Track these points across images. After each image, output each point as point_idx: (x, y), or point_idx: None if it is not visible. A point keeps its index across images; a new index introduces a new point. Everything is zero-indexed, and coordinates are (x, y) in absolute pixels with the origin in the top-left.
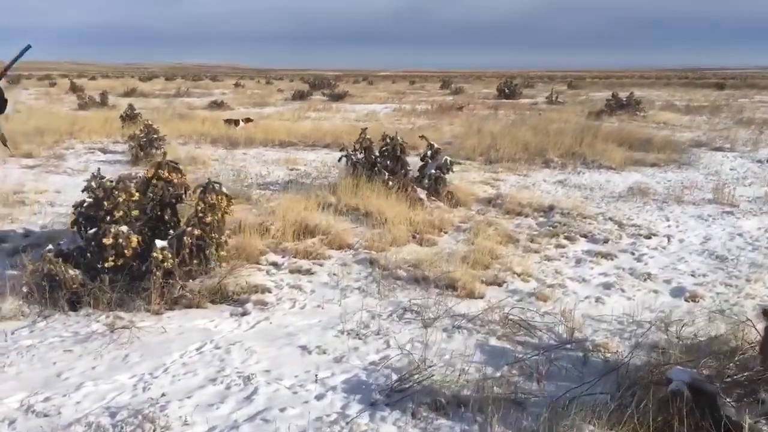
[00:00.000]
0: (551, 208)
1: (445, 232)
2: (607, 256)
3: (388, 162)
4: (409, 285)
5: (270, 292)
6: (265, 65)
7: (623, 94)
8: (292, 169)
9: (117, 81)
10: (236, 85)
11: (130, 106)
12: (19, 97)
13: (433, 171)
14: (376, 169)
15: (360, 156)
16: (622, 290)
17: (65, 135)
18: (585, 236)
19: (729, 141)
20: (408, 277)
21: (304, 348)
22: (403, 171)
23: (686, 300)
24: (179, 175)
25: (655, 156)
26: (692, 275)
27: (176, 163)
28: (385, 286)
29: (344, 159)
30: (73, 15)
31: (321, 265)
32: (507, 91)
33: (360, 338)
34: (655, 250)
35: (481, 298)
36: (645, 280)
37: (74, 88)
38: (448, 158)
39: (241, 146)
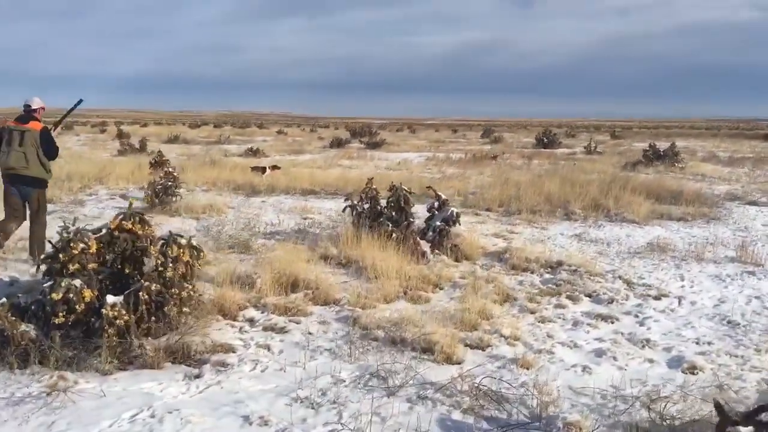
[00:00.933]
0: (559, 264)
1: (441, 288)
2: (607, 318)
3: (393, 213)
4: (385, 347)
5: (234, 351)
6: (314, 113)
7: (663, 145)
8: (305, 218)
9: (167, 127)
10: (279, 132)
11: (159, 153)
12: (67, 144)
13: (438, 223)
14: (381, 219)
15: (366, 206)
16: (615, 358)
17: (94, 180)
18: (589, 296)
19: (766, 194)
20: (386, 338)
21: (246, 418)
22: (406, 222)
23: (683, 372)
24: (145, 227)
25: (683, 210)
26: (696, 342)
27: (142, 215)
28: (359, 348)
29: (348, 209)
30: (130, 63)
31: (298, 322)
32: (545, 140)
33: (313, 408)
34: (662, 313)
35: (459, 363)
36: (643, 347)
37: (120, 135)
38: (455, 210)
39: (262, 194)
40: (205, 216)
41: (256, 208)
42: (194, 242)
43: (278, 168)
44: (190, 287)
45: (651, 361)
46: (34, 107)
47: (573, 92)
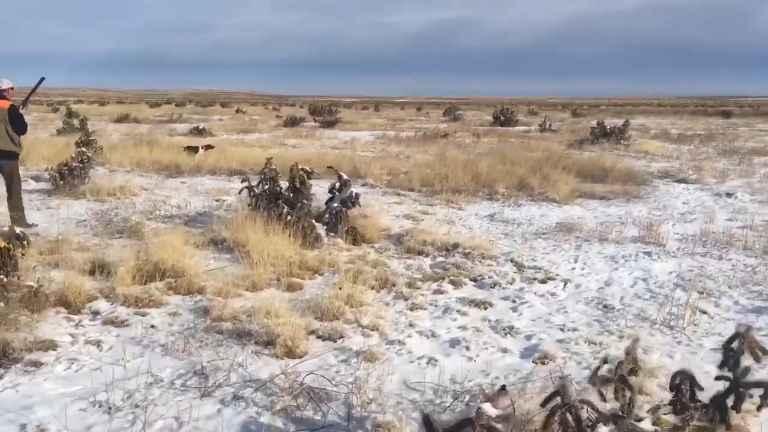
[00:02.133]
0: (456, 246)
1: (321, 274)
2: (481, 304)
3: (291, 194)
4: (228, 340)
5: (55, 349)
6: (285, 92)
7: (616, 122)
8: (217, 200)
9: (126, 106)
10: (238, 111)
11: (86, 132)
12: None
13: (335, 205)
14: (279, 202)
15: (265, 187)
16: (468, 348)
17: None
18: (474, 280)
19: (700, 172)
20: (232, 331)
21: (23, 427)
22: (299, 204)
23: (534, 361)
24: None
25: (608, 188)
26: (561, 329)
27: None
28: (197, 342)
29: (245, 191)
30: (97, 42)
31: (144, 315)
32: (502, 118)
33: (108, 413)
34: (541, 298)
35: (301, 357)
36: (505, 335)
37: (69, 114)
38: (354, 191)
39: (185, 174)
40: (111, 199)
41: (171, 189)
42: (18, 231)
43: (212, 147)
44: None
45: (505, 350)
46: (3, 87)
47: (544, 71)
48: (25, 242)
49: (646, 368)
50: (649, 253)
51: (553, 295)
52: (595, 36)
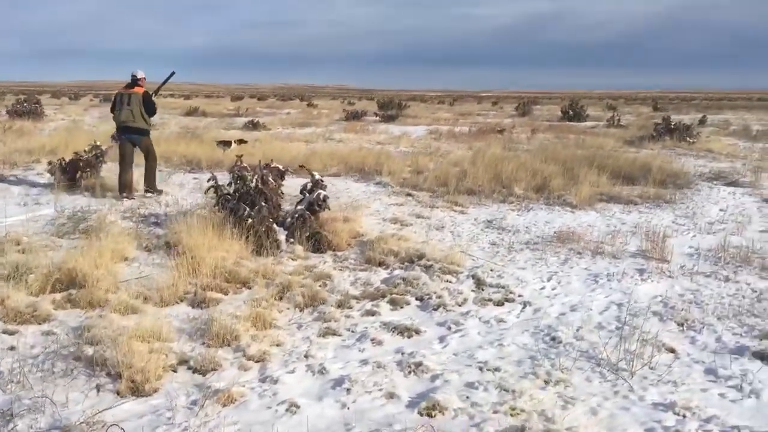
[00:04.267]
0: (420, 257)
1: (249, 288)
2: (407, 331)
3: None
4: (80, 369)
5: None
6: (371, 86)
7: (695, 117)
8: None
9: (207, 100)
10: (309, 104)
11: None
12: (82, 117)
13: (299, 208)
14: (241, 204)
15: (230, 188)
16: (348, 391)
17: (49, 153)
18: (420, 299)
19: (759, 174)
20: (90, 358)
21: None
22: (257, 207)
23: (420, 413)
24: None
25: (640, 191)
26: (481, 368)
27: None
28: (42, 372)
29: (212, 190)
30: (190, 38)
31: (12, 333)
32: (571, 113)
33: None
34: (485, 325)
35: (149, 394)
36: (409, 373)
37: None
38: (323, 193)
39: (204, 170)
40: (108, 194)
41: (175, 185)
42: None
43: (245, 142)
44: None
45: (391, 396)
46: (138, 77)
47: (638, 64)
48: None
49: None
50: (642, 271)
51: (500, 321)
52: (696, 27)
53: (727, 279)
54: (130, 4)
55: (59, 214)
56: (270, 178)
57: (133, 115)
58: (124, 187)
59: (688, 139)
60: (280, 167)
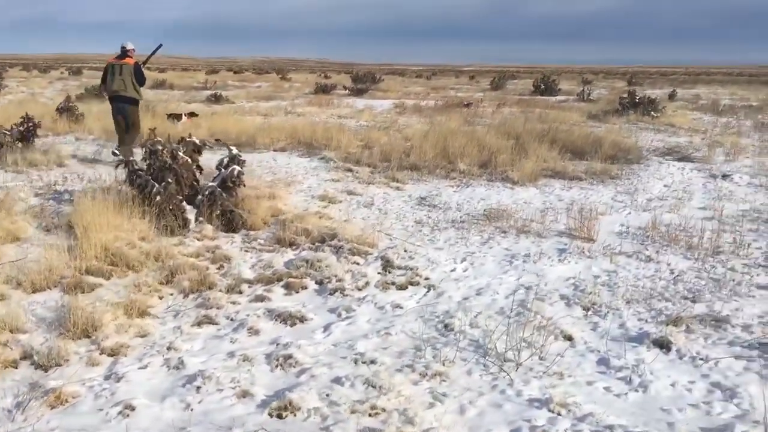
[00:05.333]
0: (333, 237)
1: (136, 271)
2: (291, 318)
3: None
4: None
5: None
6: (354, 60)
7: (667, 91)
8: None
9: (183, 73)
10: (282, 78)
11: (68, 98)
12: (43, 89)
13: (210, 184)
14: (150, 180)
15: (148, 162)
16: (198, 390)
17: None
18: (320, 282)
19: (714, 149)
20: None
21: None
22: (164, 183)
23: (270, 414)
24: None
25: (587, 166)
26: (355, 361)
27: None
28: None
29: (123, 166)
30: (170, 9)
31: None
32: (543, 87)
33: None
34: (379, 311)
35: None
36: (276, 367)
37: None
38: (237, 168)
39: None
40: (31, 170)
41: (106, 162)
42: None
43: (195, 115)
44: None
45: (245, 394)
46: (128, 48)
47: (620, 37)
48: None
49: None
50: (562, 251)
51: (396, 307)
52: (682, 1)
53: (648, 259)
54: None
55: None
56: (180, 153)
57: (124, 84)
58: (121, 142)
59: (652, 113)
60: (196, 141)
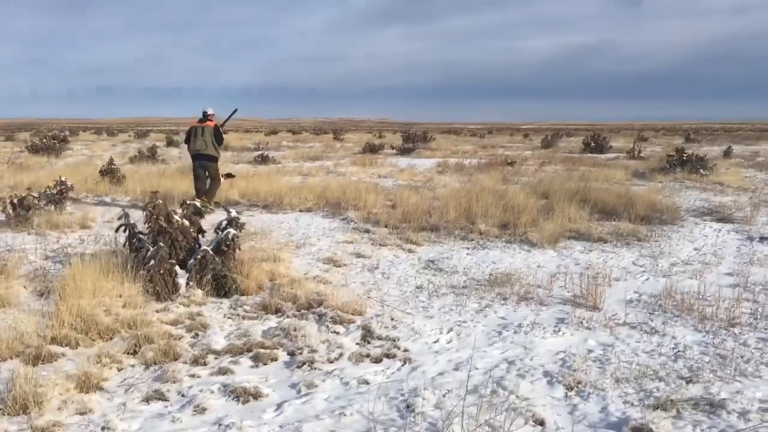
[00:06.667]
0: (319, 303)
1: (109, 339)
2: (244, 396)
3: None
4: None
5: None
6: (411, 119)
7: (718, 149)
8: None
9: (243, 135)
10: (335, 138)
11: (111, 161)
12: (104, 151)
13: (203, 248)
14: (145, 243)
15: (148, 225)
16: None
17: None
18: (292, 354)
19: (757, 209)
20: None
21: None
22: (155, 248)
23: None
24: None
25: (616, 227)
26: None
27: None
28: None
29: (123, 229)
30: (236, 74)
31: None
32: (593, 145)
33: None
34: (344, 386)
35: None
36: None
37: (169, 142)
38: (232, 232)
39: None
40: (54, 233)
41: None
42: None
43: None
44: None
45: None
46: (209, 113)
47: (682, 94)
48: None
49: None
50: (561, 321)
51: (363, 383)
52: (744, 58)
53: (653, 331)
54: (182, 43)
55: None
56: (176, 216)
57: (206, 144)
58: (201, 195)
59: (700, 171)
60: (197, 203)
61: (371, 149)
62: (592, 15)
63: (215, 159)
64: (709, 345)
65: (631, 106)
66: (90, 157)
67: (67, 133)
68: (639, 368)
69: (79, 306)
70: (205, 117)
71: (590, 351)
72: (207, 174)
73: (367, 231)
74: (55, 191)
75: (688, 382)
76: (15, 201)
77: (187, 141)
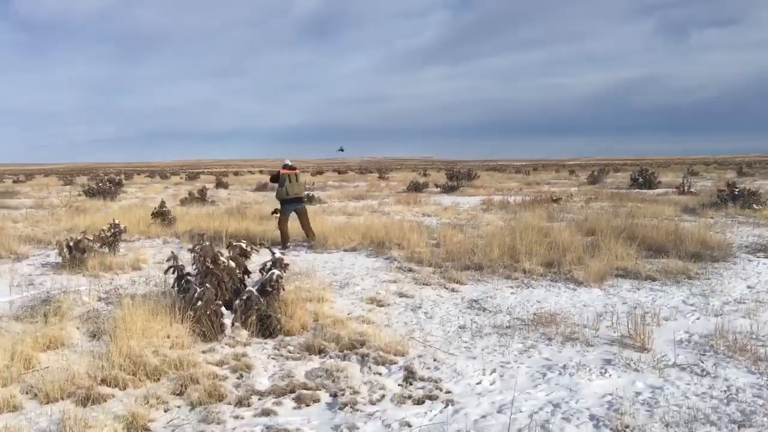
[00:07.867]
0: (362, 344)
1: (154, 381)
2: None
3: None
4: None
5: None
6: (456, 157)
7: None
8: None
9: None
10: (380, 177)
11: (162, 203)
12: (152, 195)
13: (249, 289)
14: (193, 285)
15: (196, 267)
16: None
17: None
18: (334, 395)
19: None
20: None
21: None
22: (202, 289)
23: None
24: None
25: (665, 264)
26: None
27: None
28: None
29: (171, 270)
30: (284, 116)
31: None
32: (641, 180)
33: None
34: (384, 429)
35: None
36: None
37: (218, 184)
38: (276, 273)
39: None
40: (107, 274)
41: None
42: None
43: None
44: None
45: None
46: (290, 163)
47: (733, 127)
48: None
49: None
50: (608, 362)
51: (404, 425)
52: None
53: (704, 373)
54: (230, 88)
55: (27, 297)
56: (222, 258)
57: (301, 188)
58: (286, 239)
59: (753, 205)
60: (243, 245)
61: (415, 188)
62: (638, 50)
63: (304, 201)
64: (763, 387)
65: (680, 140)
66: (143, 199)
67: (122, 176)
68: (689, 412)
69: (128, 347)
70: (291, 167)
71: (638, 393)
72: (304, 214)
73: (411, 270)
74: (108, 234)
75: (740, 427)
76: (71, 244)
77: (282, 185)
